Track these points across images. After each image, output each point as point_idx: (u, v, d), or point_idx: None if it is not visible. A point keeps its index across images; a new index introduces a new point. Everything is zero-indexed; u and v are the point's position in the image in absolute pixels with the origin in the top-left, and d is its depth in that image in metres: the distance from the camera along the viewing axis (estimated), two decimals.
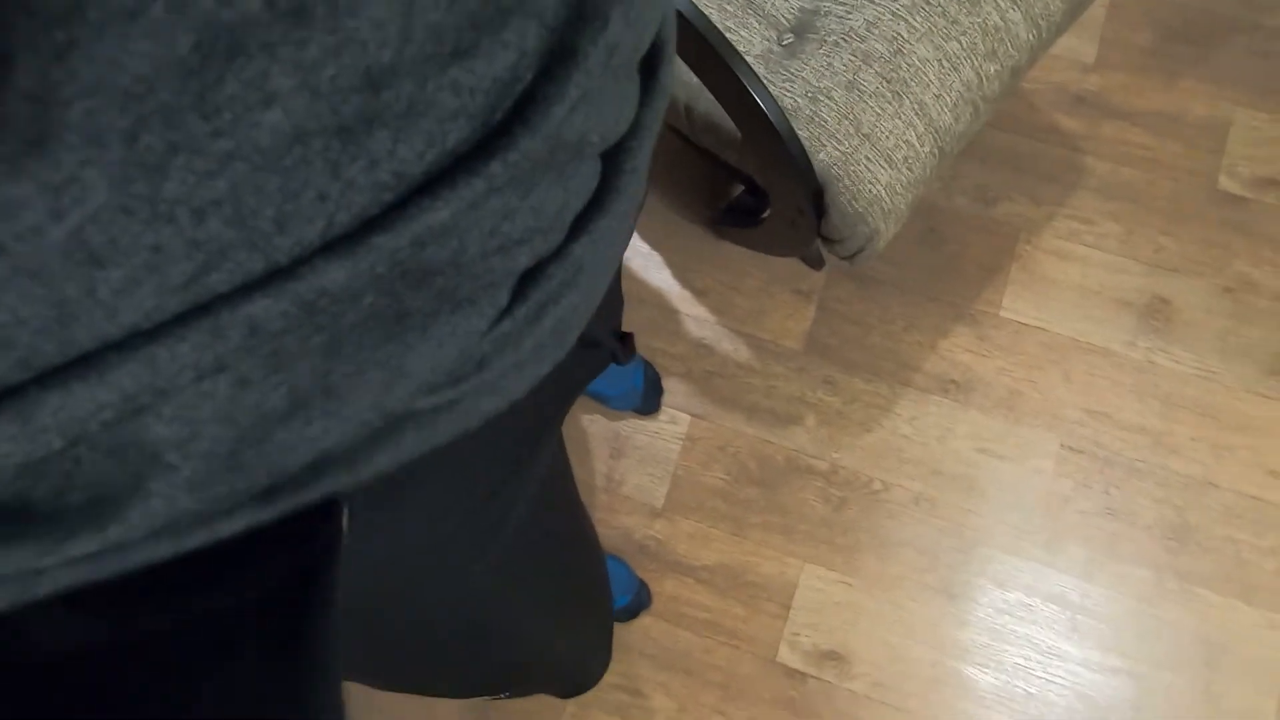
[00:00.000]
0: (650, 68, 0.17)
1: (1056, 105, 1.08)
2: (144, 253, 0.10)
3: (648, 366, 1.02)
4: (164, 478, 0.12)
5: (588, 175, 0.16)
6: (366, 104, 0.10)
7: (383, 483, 0.22)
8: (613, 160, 0.17)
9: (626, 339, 0.40)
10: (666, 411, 1.03)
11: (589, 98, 0.14)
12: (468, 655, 0.40)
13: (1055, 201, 1.05)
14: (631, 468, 1.02)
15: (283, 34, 0.09)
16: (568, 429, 1.04)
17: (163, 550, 0.14)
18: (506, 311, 0.15)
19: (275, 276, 0.11)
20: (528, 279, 0.15)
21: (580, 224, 0.16)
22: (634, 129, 0.17)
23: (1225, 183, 1.03)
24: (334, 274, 0.11)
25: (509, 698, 0.53)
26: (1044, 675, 0.93)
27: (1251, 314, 1.00)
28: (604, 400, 1.01)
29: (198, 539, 0.14)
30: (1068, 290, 1.03)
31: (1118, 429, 0.98)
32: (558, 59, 0.13)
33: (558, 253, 0.16)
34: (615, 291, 0.40)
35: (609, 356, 0.38)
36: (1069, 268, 1.03)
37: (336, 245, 0.11)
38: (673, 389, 1.04)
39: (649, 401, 1.01)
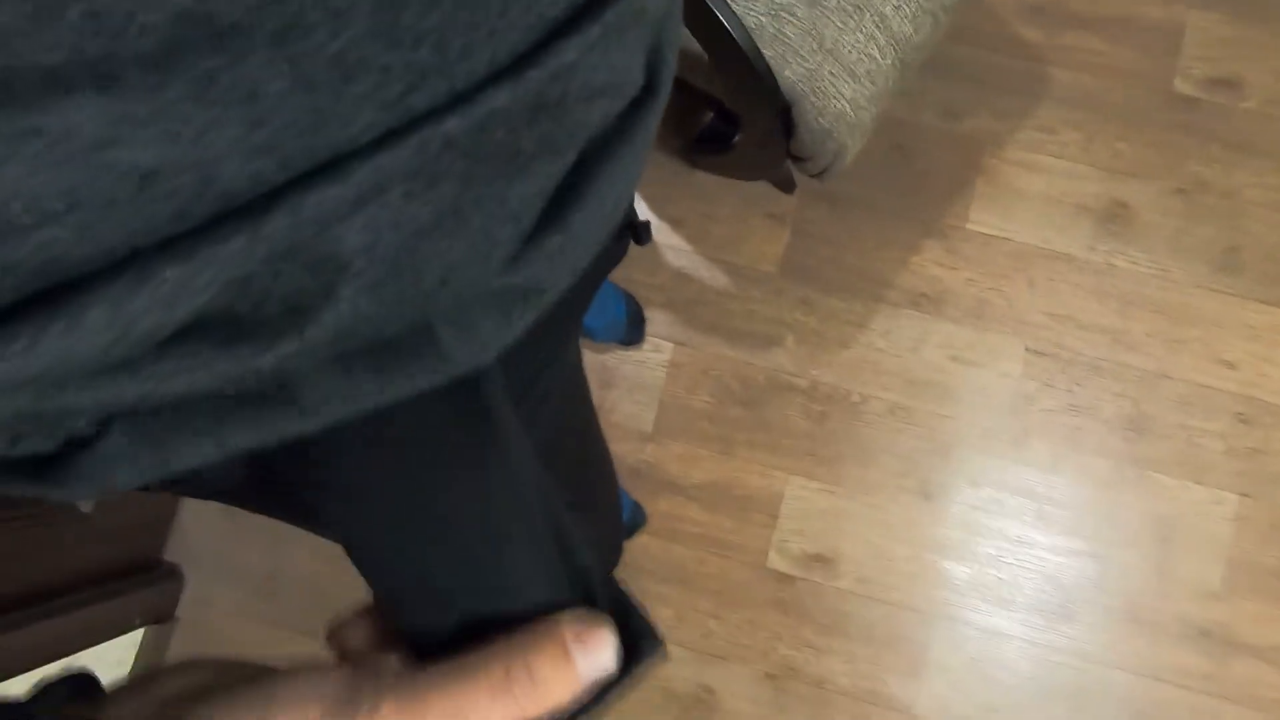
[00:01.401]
0: None
1: (1017, 16, 1.09)
2: (377, 72, 0.12)
3: (629, 298, 1.05)
4: (351, 283, 0.14)
5: (639, 50, 0.18)
6: None
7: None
8: (656, 50, 0.19)
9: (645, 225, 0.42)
10: (650, 341, 1.07)
11: None
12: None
13: (1018, 113, 1.07)
14: (620, 397, 1.06)
15: None
16: None
17: (343, 410, 0.17)
18: (574, 170, 0.18)
19: (459, 101, 0.13)
20: (589, 147, 0.18)
21: (636, 103, 0.19)
22: (668, 17, 0.19)
23: (1180, 85, 1.06)
24: (501, 99, 0.14)
25: None
26: (1014, 562, 1.00)
27: (1202, 213, 1.04)
28: (589, 333, 1.04)
29: (369, 389, 0.17)
30: (1032, 200, 1.06)
31: (1079, 330, 1.03)
32: None
33: (615, 129, 0.18)
34: None
35: (627, 243, 0.40)
36: (1033, 178, 1.06)
37: (500, 77, 0.14)
38: (655, 318, 1.07)
39: (633, 332, 1.04)
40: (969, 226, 1.06)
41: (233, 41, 0.10)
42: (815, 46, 0.69)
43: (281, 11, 0.10)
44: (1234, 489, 0.99)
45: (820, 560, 1.02)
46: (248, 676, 0.16)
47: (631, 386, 1.06)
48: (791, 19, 0.69)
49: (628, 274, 1.07)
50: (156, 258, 0.12)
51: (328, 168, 0.13)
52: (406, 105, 0.13)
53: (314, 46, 0.11)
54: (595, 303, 1.03)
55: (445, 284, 0.16)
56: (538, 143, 0.16)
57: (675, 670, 1.01)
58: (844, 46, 0.70)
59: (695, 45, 0.71)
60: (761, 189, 1.07)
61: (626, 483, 1.04)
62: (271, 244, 0.13)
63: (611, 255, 0.35)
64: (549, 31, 0.14)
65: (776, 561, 1.02)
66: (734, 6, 0.68)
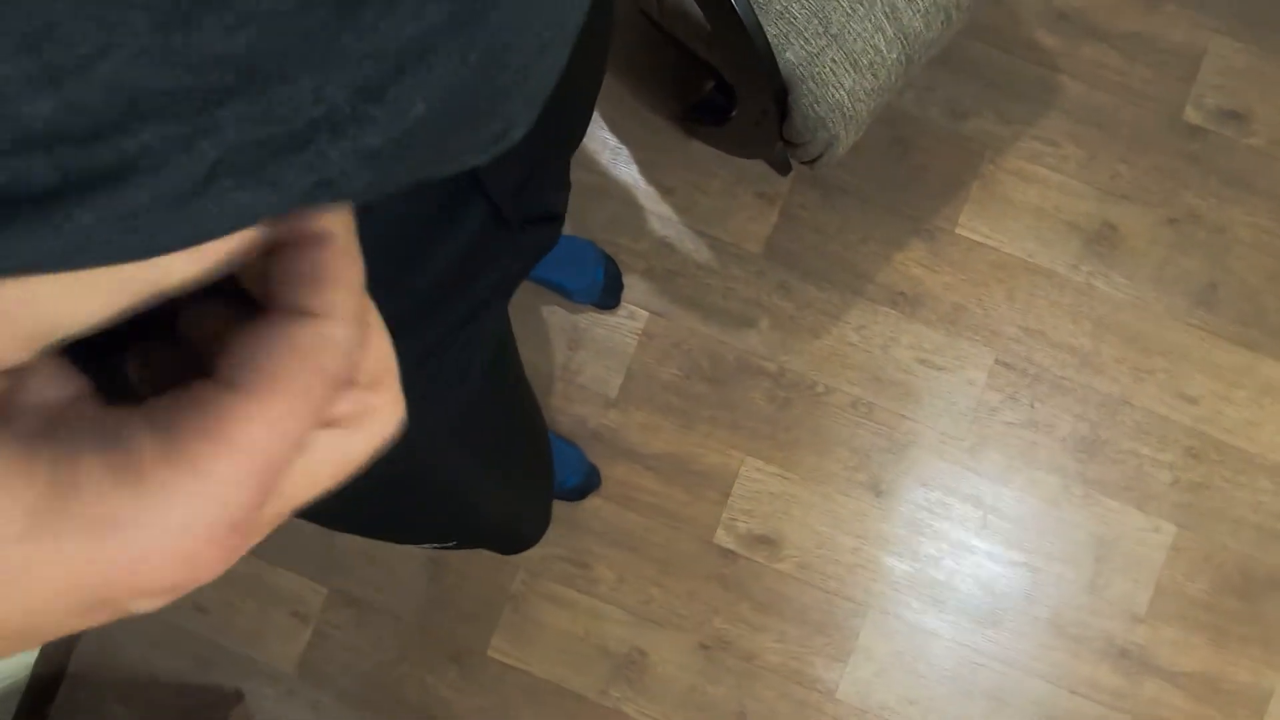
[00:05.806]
0: None
1: (1040, 20, 1.06)
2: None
3: (609, 261, 1.04)
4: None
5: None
6: None
7: None
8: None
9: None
10: (625, 307, 1.06)
11: None
12: (416, 505, 0.44)
13: (1024, 121, 1.05)
14: (589, 359, 1.06)
15: None
16: (527, 319, 1.06)
17: None
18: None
19: (301, 149, 0.13)
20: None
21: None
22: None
23: (1190, 113, 1.05)
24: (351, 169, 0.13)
25: (455, 549, 0.58)
26: (953, 565, 1.03)
27: (1190, 245, 1.04)
28: (564, 293, 1.03)
29: None
30: (1023, 211, 1.05)
31: (1050, 347, 1.04)
32: None
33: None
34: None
35: (550, 233, 0.39)
36: (1028, 189, 1.05)
37: (341, 128, 0.13)
38: (633, 285, 1.06)
39: (609, 296, 1.04)
40: (957, 230, 1.05)
41: None
42: (820, 30, 0.67)
43: (28, 17, 0.09)
44: (1173, 519, 1.02)
45: (765, 542, 1.04)
46: None
47: (601, 350, 1.06)
48: None
49: (611, 237, 1.06)
50: None
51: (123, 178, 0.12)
52: (211, 117, 0.12)
53: (78, 60, 0.10)
54: (574, 263, 1.02)
55: None
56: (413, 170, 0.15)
57: (612, 630, 1.04)
58: (850, 34, 0.68)
59: (699, 10, 0.68)
60: (756, 166, 1.05)
61: (585, 445, 1.05)
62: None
63: (536, 242, 0.34)
64: (392, 63, 0.14)
65: (723, 538, 1.04)
66: None
